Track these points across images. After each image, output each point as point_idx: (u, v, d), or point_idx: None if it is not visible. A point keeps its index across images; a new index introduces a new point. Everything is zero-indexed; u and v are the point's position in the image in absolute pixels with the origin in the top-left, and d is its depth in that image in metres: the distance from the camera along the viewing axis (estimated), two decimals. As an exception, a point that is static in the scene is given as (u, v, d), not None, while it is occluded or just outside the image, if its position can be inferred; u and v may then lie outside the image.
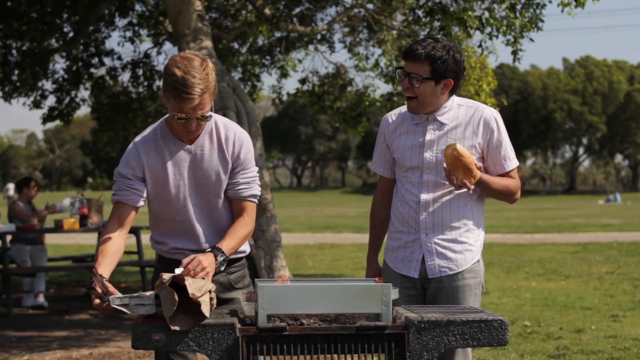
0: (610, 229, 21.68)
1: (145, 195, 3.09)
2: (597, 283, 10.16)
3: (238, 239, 3.08)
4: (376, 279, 2.92)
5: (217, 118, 3.13)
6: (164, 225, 3.16)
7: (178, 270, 2.80)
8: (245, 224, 3.12)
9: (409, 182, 3.38)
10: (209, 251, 2.97)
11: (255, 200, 3.17)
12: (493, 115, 3.36)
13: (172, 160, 3.08)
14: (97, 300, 2.78)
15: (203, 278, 2.81)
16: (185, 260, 2.88)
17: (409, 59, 3.28)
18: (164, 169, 3.07)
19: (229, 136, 3.10)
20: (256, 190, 3.16)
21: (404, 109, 3.46)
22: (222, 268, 3.00)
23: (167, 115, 3.10)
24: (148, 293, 2.68)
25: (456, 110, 3.36)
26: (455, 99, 3.39)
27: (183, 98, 2.89)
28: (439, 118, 3.34)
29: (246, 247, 3.26)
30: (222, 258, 2.97)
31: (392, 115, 3.48)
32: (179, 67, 2.89)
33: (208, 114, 2.98)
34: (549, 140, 71.05)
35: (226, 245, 3.02)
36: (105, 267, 2.98)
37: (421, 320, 2.64)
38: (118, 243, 3.02)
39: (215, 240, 3.08)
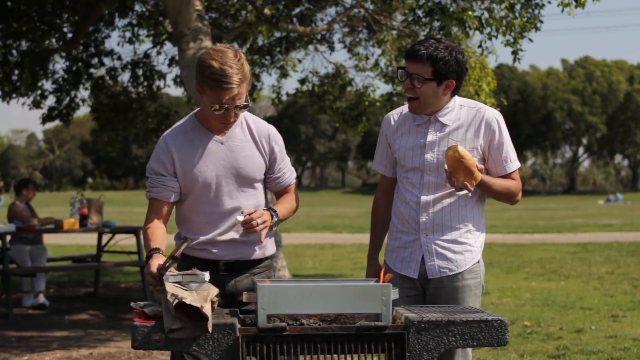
0: (610, 229, 21.69)
1: (177, 189, 3.14)
2: (597, 283, 10.16)
3: (288, 209, 3.24)
4: (384, 274, 2.90)
5: (245, 112, 3.20)
6: (194, 217, 3.17)
7: (240, 218, 2.94)
8: (294, 199, 3.29)
9: (409, 182, 3.37)
10: (264, 209, 3.07)
11: (295, 180, 3.34)
12: (495, 116, 3.35)
13: (204, 151, 3.12)
14: (152, 281, 2.84)
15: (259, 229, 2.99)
16: (247, 210, 3.01)
17: (411, 60, 3.27)
18: (195, 160, 3.11)
19: (261, 131, 3.19)
20: (294, 172, 3.33)
21: (405, 108, 3.45)
22: (275, 228, 3.13)
23: (197, 109, 3.17)
24: (205, 273, 2.69)
25: (458, 111, 3.35)
26: (457, 100, 3.38)
27: (223, 88, 2.95)
28: (441, 119, 3.33)
29: (272, 249, 3.29)
30: (276, 219, 3.11)
31: (394, 115, 3.48)
32: (215, 59, 2.96)
33: (245, 104, 3.04)
34: (549, 140, 71.07)
35: (279, 209, 3.15)
36: (161, 243, 3.09)
37: (421, 320, 2.64)
38: (162, 230, 3.13)
39: (239, 232, 3.12)
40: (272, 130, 3.22)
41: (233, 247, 3.15)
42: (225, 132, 3.13)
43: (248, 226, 2.99)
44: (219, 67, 2.94)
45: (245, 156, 3.14)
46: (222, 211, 3.13)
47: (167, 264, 2.77)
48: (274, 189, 3.27)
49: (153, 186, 3.14)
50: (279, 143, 3.23)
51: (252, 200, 3.17)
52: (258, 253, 3.20)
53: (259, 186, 3.21)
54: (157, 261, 2.89)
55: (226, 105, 2.99)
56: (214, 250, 3.13)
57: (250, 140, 3.16)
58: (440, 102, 3.32)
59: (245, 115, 3.19)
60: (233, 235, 3.14)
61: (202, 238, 3.15)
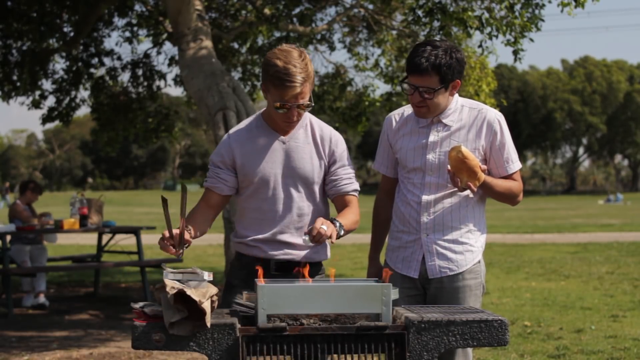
0: (610, 229, 21.69)
1: (233, 184, 3.19)
2: (597, 283, 10.16)
3: (351, 221, 3.15)
4: (384, 272, 2.89)
5: (311, 116, 3.24)
6: (249, 213, 3.19)
7: (306, 238, 2.91)
8: (356, 214, 3.20)
9: (411, 183, 3.37)
10: (329, 220, 3.03)
11: (357, 195, 3.26)
12: (496, 117, 3.35)
13: (265, 149, 3.16)
14: (172, 249, 2.92)
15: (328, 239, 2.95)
16: (318, 224, 2.92)
17: (416, 74, 3.24)
18: (256, 156, 3.15)
19: (324, 134, 3.22)
20: (357, 185, 3.27)
21: (407, 109, 3.44)
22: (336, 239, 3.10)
23: (263, 109, 3.21)
24: (205, 272, 2.71)
25: (460, 111, 3.36)
26: (458, 100, 3.38)
27: (286, 87, 2.99)
28: (444, 120, 3.33)
29: (326, 254, 3.30)
30: (342, 232, 3.05)
31: (395, 115, 3.47)
32: (280, 58, 3.01)
33: (308, 103, 3.07)
34: (549, 140, 71.07)
35: (343, 221, 3.09)
36: (194, 223, 3.10)
37: (421, 320, 2.64)
38: (207, 218, 3.19)
39: (296, 233, 3.15)
40: (334, 134, 3.25)
41: (285, 247, 3.16)
42: (289, 132, 3.17)
43: (317, 238, 2.94)
44: (283, 66, 2.98)
45: (304, 157, 3.18)
46: (277, 209, 3.16)
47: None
48: (331, 194, 3.25)
49: (209, 177, 3.22)
50: (340, 148, 3.24)
51: (309, 201, 3.20)
52: (310, 256, 3.21)
53: (317, 189, 3.22)
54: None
55: (289, 104, 3.04)
56: (266, 249, 3.16)
57: (311, 142, 3.20)
58: (447, 104, 3.32)
59: (310, 117, 3.23)
60: (287, 235, 3.17)
61: (256, 235, 3.17)
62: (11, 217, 9.10)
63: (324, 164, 3.21)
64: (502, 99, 11.10)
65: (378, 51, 11.22)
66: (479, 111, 3.36)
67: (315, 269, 3.24)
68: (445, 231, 3.33)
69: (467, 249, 3.35)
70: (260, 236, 3.17)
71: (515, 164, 3.39)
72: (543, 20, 7.46)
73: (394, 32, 10.37)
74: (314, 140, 3.21)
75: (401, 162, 3.41)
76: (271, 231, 3.15)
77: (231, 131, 3.25)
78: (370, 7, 10.04)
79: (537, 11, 7.40)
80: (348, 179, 3.24)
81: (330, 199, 3.29)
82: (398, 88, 10.67)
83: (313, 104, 3.12)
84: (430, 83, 3.23)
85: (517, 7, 7.37)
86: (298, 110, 3.07)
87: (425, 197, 3.33)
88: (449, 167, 3.19)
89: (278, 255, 3.16)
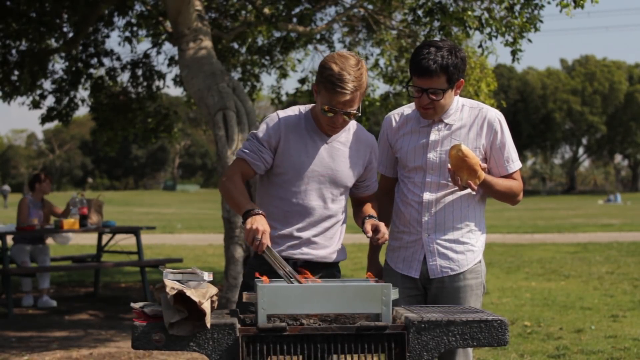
0: (610, 229, 21.69)
1: (268, 165, 3.19)
2: (597, 283, 10.16)
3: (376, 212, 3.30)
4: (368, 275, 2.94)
5: (357, 123, 3.29)
6: (275, 203, 3.19)
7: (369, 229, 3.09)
8: (376, 209, 3.33)
9: (411, 182, 3.37)
10: (370, 218, 3.19)
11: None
12: (497, 116, 3.36)
13: (308, 143, 3.17)
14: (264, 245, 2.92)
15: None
16: (371, 226, 3.12)
17: (424, 76, 3.23)
18: (299, 150, 3.16)
19: (367, 141, 3.29)
20: (377, 182, 3.41)
21: (407, 109, 3.44)
22: None
23: (314, 105, 3.22)
24: (205, 273, 2.71)
25: (461, 111, 3.36)
26: (459, 100, 3.38)
27: (337, 92, 3.01)
28: (445, 119, 3.34)
29: (343, 255, 3.32)
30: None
31: (395, 115, 3.47)
32: (336, 63, 3.03)
33: (355, 112, 3.09)
34: (549, 140, 71.09)
35: (375, 213, 3.26)
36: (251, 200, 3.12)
37: (421, 320, 2.64)
38: (242, 185, 3.16)
39: (314, 230, 3.17)
40: (374, 142, 3.32)
41: (305, 245, 3.17)
42: (334, 133, 3.20)
43: (382, 241, 3.12)
44: (338, 71, 3.00)
45: (345, 161, 3.21)
46: (305, 205, 3.17)
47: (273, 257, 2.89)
48: (357, 194, 3.33)
49: (250, 150, 3.17)
50: (377, 155, 3.33)
51: (338, 204, 3.23)
52: (328, 256, 3.22)
53: (346, 192, 3.27)
54: (265, 226, 2.92)
55: (336, 110, 3.05)
56: (285, 247, 3.15)
57: (353, 147, 3.23)
58: (452, 103, 3.33)
59: (352, 122, 3.25)
60: (306, 232, 3.17)
61: (279, 227, 3.16)
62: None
63: (362, 169, 3.27)
64: (501, 100, 11.10)
65: (377, 51, 11.22)
66: (480, 110, 3.36)
67: (332, 270, 3.25)
68: (446, 231, 3.33)
69: (468, 249, 3.35)
70: (282, 231, 3.16)
71: (515, 164, 3.39)
72: (542, 21, 7.46)
73: (394, 32, 10.37)
74: (357, 147, 3.24)
75: (401, 161, 3.41)
76: (295, 226, 3.16)
77: (282, 114, 3.22)
78: (370, 7, 10.03)
79: (536, 12, 7.40)
80: (375, 181, 3.37)
81: (351, 196, 3.35)
82: (397, 88, 10.67)
83: (360, 114, 3.13)
84: (439, 84, 3.23)
85: (517, 7, 7.37)
86: (344, 117, 3.09)
87: (426, 197, 3.33)
88: (449, 165, 3.19)
89: (296, 255, 3.16)
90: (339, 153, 3.20)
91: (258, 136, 3.18)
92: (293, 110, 3.24)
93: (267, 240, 2.90)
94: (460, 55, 3.26)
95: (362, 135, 3.28)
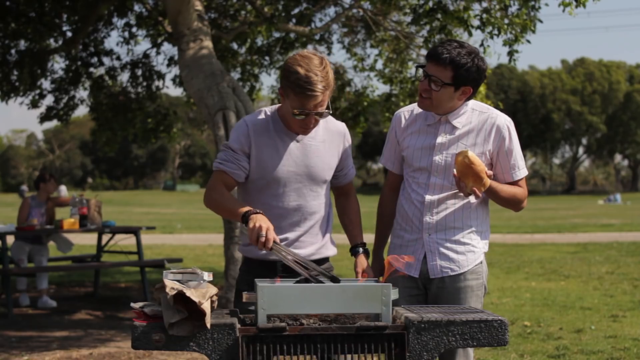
0: (610, 229, 21.69)
1: (247, 172, 3.18)
2: (597, 283, 10.16)
3: (359, 222, 3.40)
4: (388, 268, 2.94)
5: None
6: (257, 208, 3.15)
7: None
8: (357, 204, 3.42)
9: (415, 182, 3.37)
10: (360, 254, 3.25)
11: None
12: (506, 122, 3.34)
13: (280, 145, 3.16)
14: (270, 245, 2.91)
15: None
16: (363, 277, 3.15)
17: (433, 61, 3.23)
18: (270, 152, 3.15)
19: (339, 131, 3.27)
20: (354, 168, 3.42)
21: (417, 107, 3.43)
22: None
23: (278, 105, 3.22)
24: (205, 273, 2.71)
25: (470, 114, 3.34)
26: (469, 103, 3.36)
27: (307, 95, 2.99)
28: (452, 121, 3.32)
29: (333, 249, 3.34)
30: (369, 254, 3.31)
31: (404, 113, 3.47)
32: (301, 65, 3.00)
33: (326, 111, 3.09)
34: (549, 140, 71.10)
35: (359, 232, 3.35)
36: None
37: (421, 320, 2.64)
38: (229, 193, 3.17)
39: (299, 230, 3.18)
40: (345, 129, 3.30)
41: (290, 246, 3.16)
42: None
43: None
44: (304, 74, 2.98)
45: (319, 156, 3.20)
46: (285, 207, 3.17)
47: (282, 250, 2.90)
48: (337, 184, 3.34)
49: (227, 160, 3.16)
50: (349, 141, 3.32)
51: (318, 200, 3.22)
52: (316, 253, 3.23)
53: (326, 186, 3.27)
54: (267, 222, 2.92)
55: (307, 112, 3.04)
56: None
57: (326, 140, 3.22)
58: (453, 105, 3.30)
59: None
60: (291, 234, 3.18)
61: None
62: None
63: (337, 160, 3.26)
64: (498, 101, 11.10)
65: (376, 51, 11.22)
66: (489, 115, 3.35)
67: (321, 265, 3.23)
68: (447, 231, 3.33)
69: (469, 250, 3.34)
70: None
71: (521, 171, 3.38)
72: (541, 21, 7.46)
73: (392, 32, 10.37)
74: (329, 138, 3.23)
75: (407, 160, 3.40)
76: (279, 229, 3.13)
77: (249, 120, 3.20)
78: (369, 7, 10.03)
79: (533, 13, 7.40)
80: (352, 167, 3.36)
81: (332, 186, 3.35)
82: (397, 88, 10.67)
83: (330, 112, 3.13)
84: (443, 75, 3.21)
85: (514, 8, 7.36)
86: (315, 117, 3.08)
87: (429, 197, 3.32)
88: (454, 171, 3.18)
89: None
90: (311, 149, 3.18)
91: (231, 146, 3.16)
92: (259, 114, 3.22)
93: (272, 236, 2.89)
94: (477, 63, 3.22)
95: (331, 125, 3.26)
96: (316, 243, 3.23)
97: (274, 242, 2.89)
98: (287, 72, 3.04)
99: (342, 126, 3.30)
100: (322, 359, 2.64)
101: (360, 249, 3.28)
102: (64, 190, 10.28)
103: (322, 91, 3.00)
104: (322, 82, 2.99)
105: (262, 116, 3.21)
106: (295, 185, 3.17)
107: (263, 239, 2.88)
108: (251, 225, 2.91)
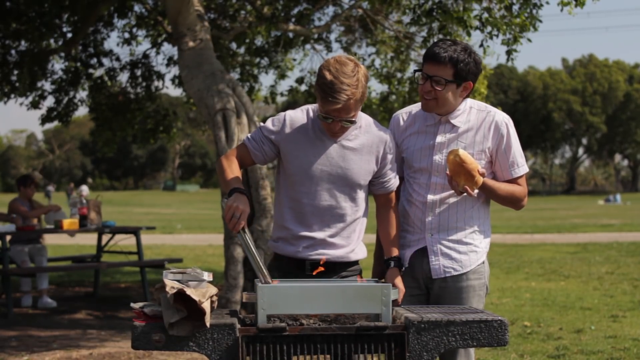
0: (610, 229, 21.69)
1: (269, 159, 3.20)
2: (597, 283, 10.16)
3: (397, 238, 3.32)
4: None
5: (366, 117, 3.24)
6: (289, 204, 3.18)
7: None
8: (396, 219, 3.32)
9: (416, 182, 3.37)
10: (391, 267, 3.21)
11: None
12: (505, 120, 3.35)
13: (317, 144, 3.15)
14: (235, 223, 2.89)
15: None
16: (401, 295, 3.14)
17: (431, 62, 3.24)
18: (306, 149, 3.14)
19: (381, 138, 3.22)
20: (397, 177, 3.35)
21: (415, 108, 3.43)
22: None
23: None
24: (204, 272, 2.71)
25: (468, 113, 3.35)
26: (468, 102, 3.37)
27: (328, 101, 2.98)
28: (452, 121, 3.32)
29: (363, 252, 3.30)
30: (401, 267, 3.29)
31: (402, 114, 3.47)
32: (330, 71, 2.99)
33: (352, 119, 3.06)
34: (549, 140, 71.08)
35: (396, 250, 3.29)
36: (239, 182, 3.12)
37: (421, 320, 2.64)
38: (240, 174, 3.15)
39: (328, 230, 3.15)
40: (388, 136, 3.25)
41: (319, 246, 3.15)
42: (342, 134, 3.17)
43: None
44: (330, 80, 2.97)
45: (355, 159, 3.17)
46: (317, 205, 3.15)
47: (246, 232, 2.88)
48: (377, 192, 3.30)
49: (254, 139, 3.19)
50: (393, 150, 3.27)
51: (353, 203, 3.19)
52: (346, 255, 3.20)
53: (361, 191, 3.22)
54: (246, 206, 2.91)
55: (332, 117, 3.03)
56: (300, 248, 3.14)
57: (364, 144, 3.19)
58: (455, 104, 3.31)
59: (366, 119, 3.23)
60: (319, 233, 3.16)
61: (293, 228, 3.16)
62: (10, 213, 9.07)
63: (376, 166, 3.23)
64: (497, 105, 11.09)
65: (374, 51, 11.20)
66: (488, 113, 3.36)
67: (350, 268, 3.24)
68: (449, 231, 3.33)
69: (471, 250, 3.34)
70: (296, 232, 3.15)
71: (521, 169, 3.39)
72: (541, 21, 7.46)
73: (391, 32, 10.37)
74: (368, 143, 3.19)
75: (407, 161, 3.40)
76: (308, 226, 3.14)
77: (290, 114, 3.20)
78: (367, 7, 10.03)
79: (535, 11, 7.40)
80: (394, 177, 3.30)
81: (373, 194, 3.33)
82: (395, 88, 10.67)
83: (356, 122, 3.11)
84: (444, 74, 3.23)
85: (516, 7, 7.36)
86: (341, 124, 3.06)
87: (430, 197, 3.32)
88: (447, 170, 3.19)
89: (312, 256, 3.15)
90: (349, 151, 3.16)
91: (263, 128, 3.19)
92: (302, 111, 3.22)
93: (244, 221, 2.88)
94: (474, 57, 3.27)
95: (374, 130, 3.23)
96: (347, 246, 3.21)
97: (243, 228, 2.87)
98: (318, 74, 3.05)
99: (385, 132, 3.25)
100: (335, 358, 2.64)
101: (392, 263, 3.26)
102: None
103: (345, 100, 2.97)
104: (346, 91, 2.97)
105: (303, 112, 3.20)
106: (327, 185, 3.15)
107: (235, 220, 2.87)
108: (230, 202, 2.91)
